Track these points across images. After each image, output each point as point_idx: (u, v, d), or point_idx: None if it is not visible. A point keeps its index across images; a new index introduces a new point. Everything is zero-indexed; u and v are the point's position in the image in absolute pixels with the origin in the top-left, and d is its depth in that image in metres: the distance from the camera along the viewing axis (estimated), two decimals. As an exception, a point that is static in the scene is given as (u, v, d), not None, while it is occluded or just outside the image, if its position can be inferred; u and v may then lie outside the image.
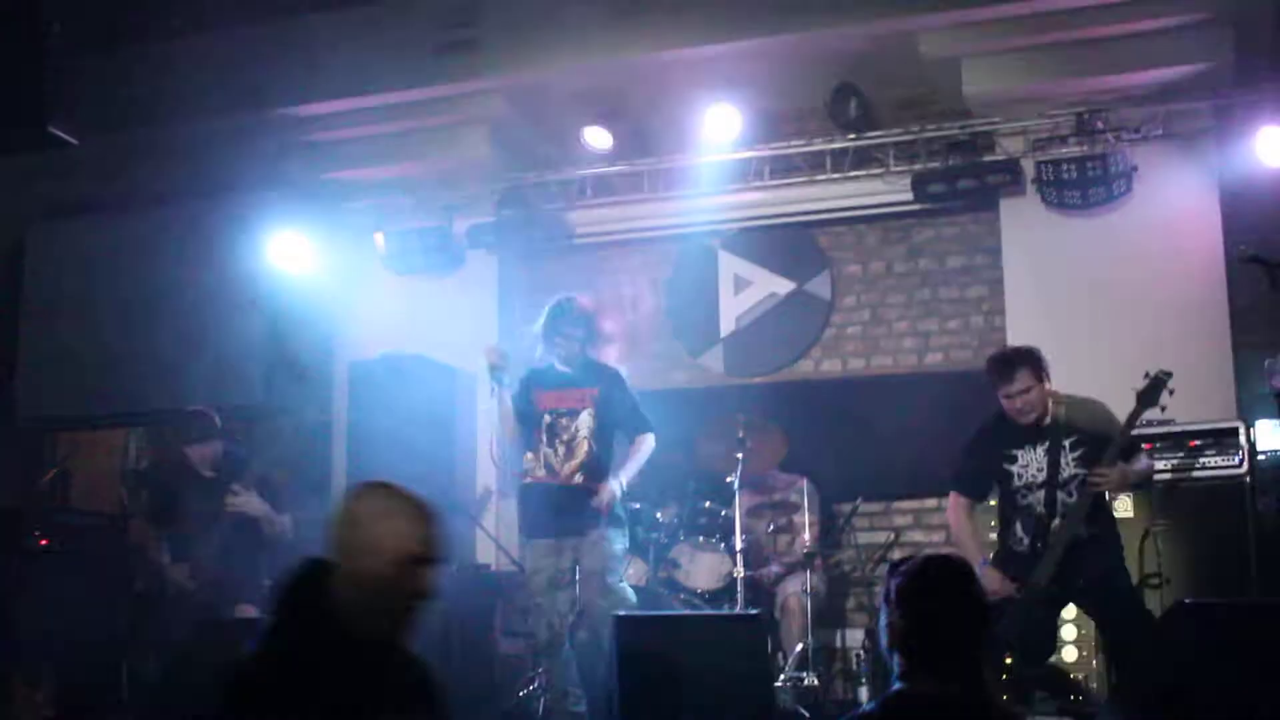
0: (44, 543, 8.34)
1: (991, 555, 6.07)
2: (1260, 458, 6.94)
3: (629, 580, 7.01)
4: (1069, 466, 5.84)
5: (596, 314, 6.79)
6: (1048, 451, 5.90)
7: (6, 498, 9.59)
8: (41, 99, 6.82)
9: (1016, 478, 5.98)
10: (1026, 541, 5.90)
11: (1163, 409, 5.80)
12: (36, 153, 8.34)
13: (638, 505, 7.54)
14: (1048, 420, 5.94)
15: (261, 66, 8.63)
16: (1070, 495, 5.81)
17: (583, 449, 6.54)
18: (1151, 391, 5.76)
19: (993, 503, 6.32)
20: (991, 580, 5.70)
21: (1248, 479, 6.75)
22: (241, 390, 9.10)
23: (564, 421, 6.59)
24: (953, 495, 6.25)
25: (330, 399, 9.41)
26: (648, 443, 6.66)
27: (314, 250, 9.15)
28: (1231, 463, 6.78)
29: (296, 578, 3.09)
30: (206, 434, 7.26)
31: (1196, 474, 6.81)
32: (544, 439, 6.61)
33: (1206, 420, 6.96)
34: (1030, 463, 5.95)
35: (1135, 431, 5.93)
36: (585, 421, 6.57)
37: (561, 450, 6.56)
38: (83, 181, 9.53)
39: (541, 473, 6.60)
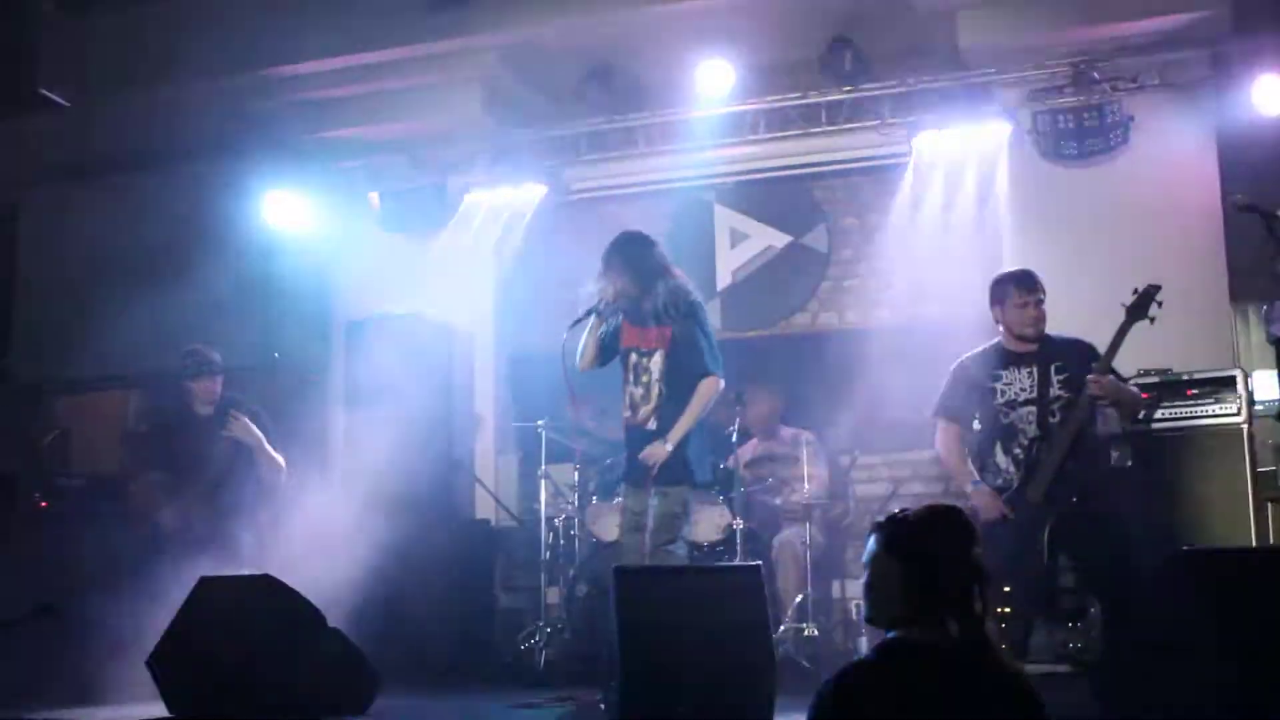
0: (44, 505, 8.39)
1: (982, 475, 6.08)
2: (1258, 407, 6.95)
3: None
4: (1055, 387, 5.90)
5: (643, 248, 6.45)
6: (1034, 373, 5.95)
7: (7, 460, 9.61)
8: (32, 62, 6.80)
9: (999, 395, 6.01)
10: (1010, 469, 5.92)
11: (1151, 320, 5.76)
12: (29, 115, 8.33)
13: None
14: (1036, 346, 6.00)
15: (253, 26, 8.58)
16: (1055, 416, 5.84)
17: (655, 392, 6.33)
18: (1140, 304, 5.76)
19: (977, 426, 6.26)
20: (983, 500, 5.75)
21: (1245, 427, 6.76)
22: (238, 350, 9.08)
23: (644, 361, 6.37)
24: (940, 424, 6.27)
25: (327, 357, 9.42)
26: (706, 388, 6.26)
27: (309, 209, 9.14)
28: (1229, 411, 6.79)
29: None
30: (204, 368, 7.30)
31: (1194, 422, 6.81)
32: (630, 378, 6.42)
33: (1204, 369, 6.96)
34: (1014, 381, 6.00)
35: (1135, 382, 5.92)
36: (658, 363, 6.33)
37: (639, 392, 6.38)
38: (76, 144, 9.50)
39: (628, 414, 6.44)
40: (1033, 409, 5.92)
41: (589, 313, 6.42)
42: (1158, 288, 5.78)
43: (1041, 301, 6.03)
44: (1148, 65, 7.85)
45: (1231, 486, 6.63)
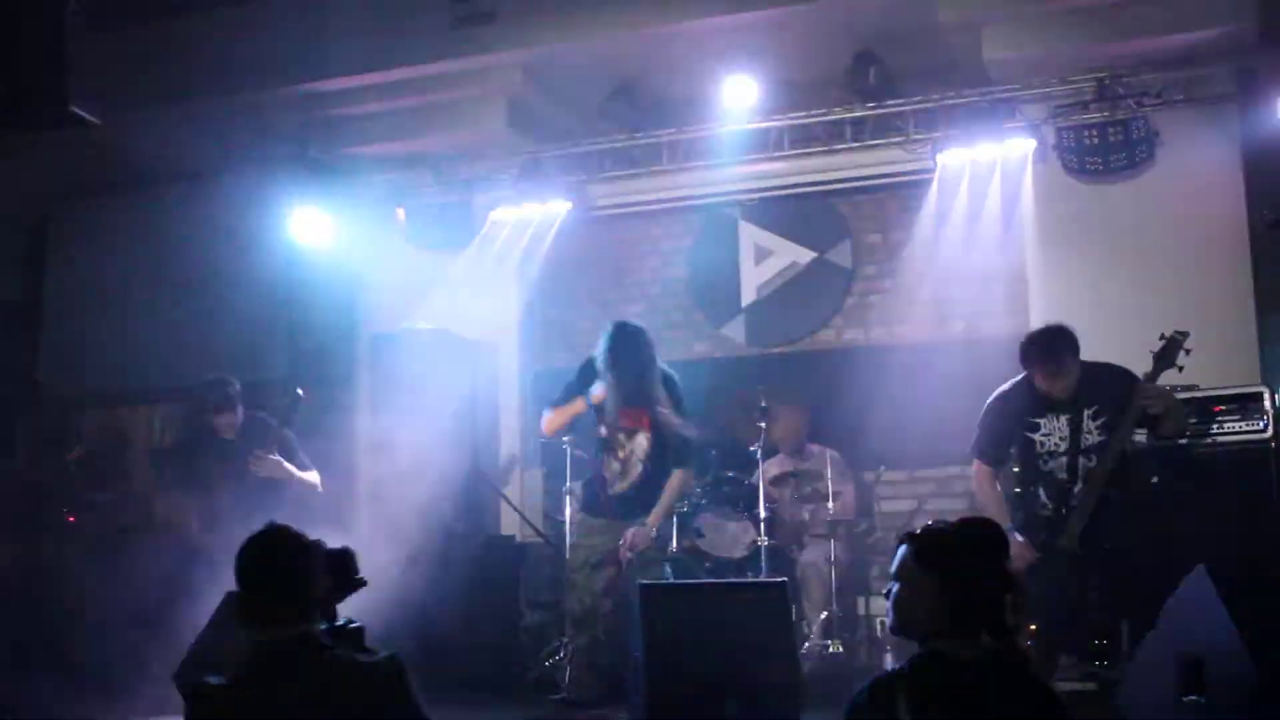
0: (71, 519, 8.43)
1: (1016, 518, 6.06)
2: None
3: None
4: (1092, 434, 5.89)
5: (637, 338, 6.52)
6: (1069, 421, 5.94)
7: (35, 475, 9.66)
8: (63, 78, 6.84)
9: (1039, 445, 6.03)
10: (1050, 507, 5.92)
11: (1180, 369, 5.79)
12: (59, 132, 8.36)
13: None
14: (1070, 391, 5.96)
15: (280, 42, 8.63)
16: (1092, 461, 5.84)
17: (636, 470, 6.51)
18: (1168, 352, 5.76)
19: (1015, 469, 6.32)
20: (1014, 548, 5.68)
21: (1273, 444, 6.71)
22: (264, 364, 9.14)
23: (621, 438, 6.53)
24: (976, 463, 6.28)
25: (353, 372, 9.45)
26: (679, 481, 6.53)
27: (335, 225, 9.19)
28: (1256, 427, 6.74)
29: None
30: (226, 400, 7.25)
31: (1220, 439, 6.78)
32: (604, 449, 6.59)
33: (1230, 385, 6.93)
34: (1053, 431, 6.00)
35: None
36: (641, 444, 6.50)
37: (617, 467, 6.54)
38: (104, 160, 9.55)
39: (604, 484, 6.60)
40: (1066, 459, 5.94)
41: (578, 393, 6.57)
42: (1185, 334, 5.78)
43: (1070, 374, 5.93)
44: (1173, 80, 7.83)
45: (1260, 503, 6.59)
